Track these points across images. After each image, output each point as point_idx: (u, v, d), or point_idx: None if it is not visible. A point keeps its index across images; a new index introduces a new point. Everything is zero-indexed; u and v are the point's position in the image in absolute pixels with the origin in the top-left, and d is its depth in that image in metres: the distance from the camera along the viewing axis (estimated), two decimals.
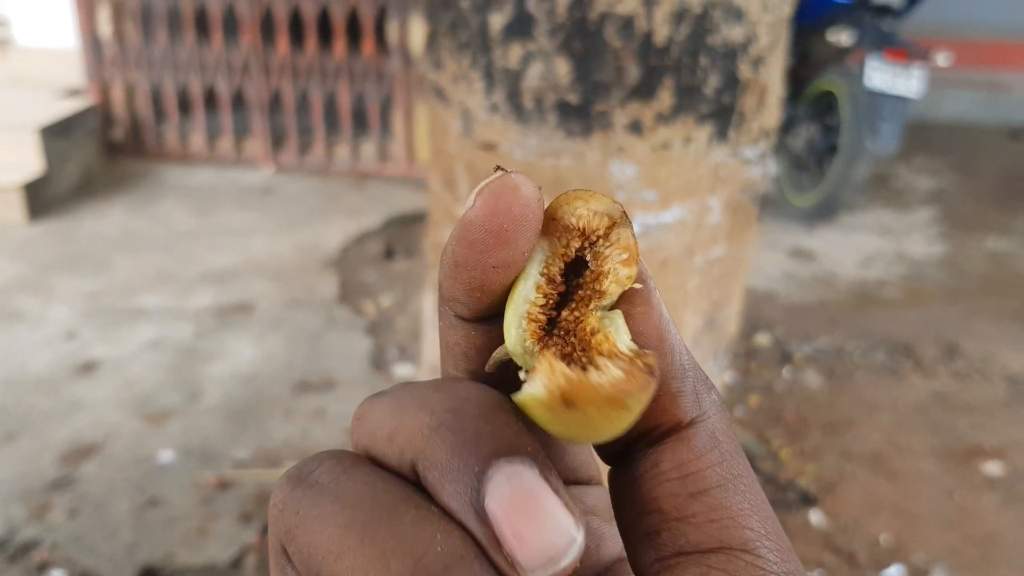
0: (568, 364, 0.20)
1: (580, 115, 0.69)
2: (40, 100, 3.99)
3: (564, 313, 0.22)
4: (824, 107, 3.57)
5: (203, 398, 2.30)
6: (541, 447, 0.20)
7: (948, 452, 2.21)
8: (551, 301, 0.22)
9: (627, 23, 0.65)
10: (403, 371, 2.48)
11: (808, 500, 2.00)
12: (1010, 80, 5.60)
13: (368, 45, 3.91)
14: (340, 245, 3.35)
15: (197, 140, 4.19)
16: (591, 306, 0.22)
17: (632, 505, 0.22)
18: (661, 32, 0.65)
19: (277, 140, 4.17)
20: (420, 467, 0.20)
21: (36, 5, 4.14)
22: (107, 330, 2.65)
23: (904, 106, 3.28)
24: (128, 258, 3.17)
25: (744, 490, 0.21)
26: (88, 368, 2.43)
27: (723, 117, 0.73)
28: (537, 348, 0.21)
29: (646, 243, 0.74)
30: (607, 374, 0.19)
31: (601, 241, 0.22)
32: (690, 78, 0.69)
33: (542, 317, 0.21)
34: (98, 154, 4.01)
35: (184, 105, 4.18)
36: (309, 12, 3.87)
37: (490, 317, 0.22)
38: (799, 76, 3.71)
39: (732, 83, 0.73)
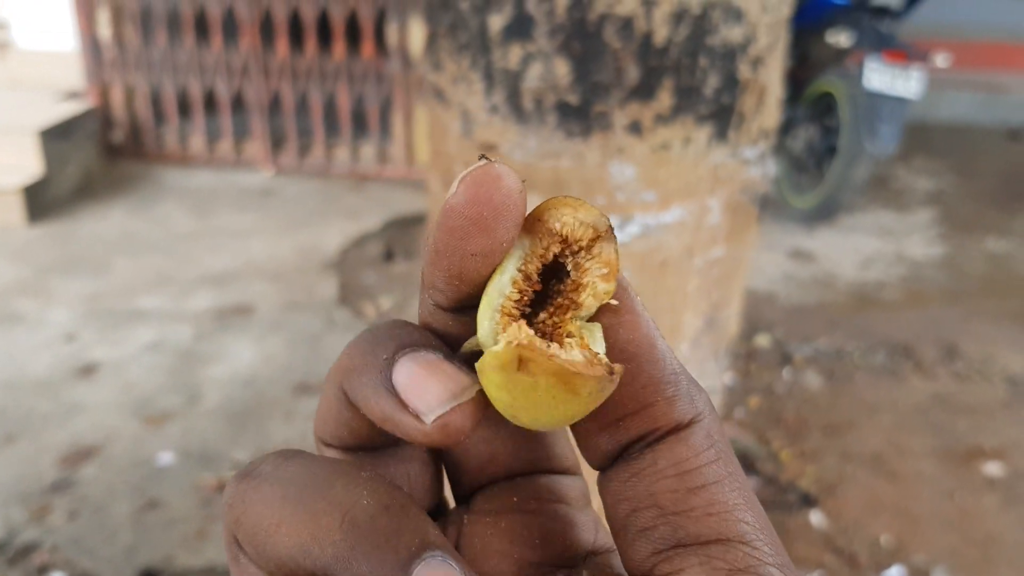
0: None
1: (580, 116, 0.70)
2: (40, 102, 3.99)
3: (543, 315, 0.22)
4: (823, 108, 3.57)
5: (203, 400, 2.30)
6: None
7: (948, 453, 2.21)
8: (525, 298, 0.22)
9: (626, 24, 0.65)
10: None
11: (809, 501, 2.00)
12: (1009, 81, 5.61)
13: (367, 47, 3.92)
14: (340, 247, 3.35)
15: (197, 142, 4.20)
16: (568, 315, 0.22)
17: (628, 503, 0.22)
18: (660, 33, 0.65)
19: (276, 142, 4.18)
20: (346, 386, 0.23)
21: (36, 8, 4.15)
22: (107, 332, 2.65)
23: (903, 107, 3.28)
24: (128, 260, 3.17)
25: (739, 487, 0.22)
26: (88, 370, 2.43)
27: (722, 118, 0.73)
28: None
29: (646, 244, 0.74)
30: (568, 354, 0.20)
31: (583, 252, 0.22)
32: (689, 79, 0.69)
33: (515, 312, 0.21)
34: (98, 156, 4.01)
35: (184, 107, 4.18)
36: (308, 14, 3.87)
37: (469, 307, 0.23)
38: (798, 77, 3.71)
39: (731, 84, 0.73)
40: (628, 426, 0.22)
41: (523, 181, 0.20)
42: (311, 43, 3.92)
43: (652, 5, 0.64)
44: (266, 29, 3.95)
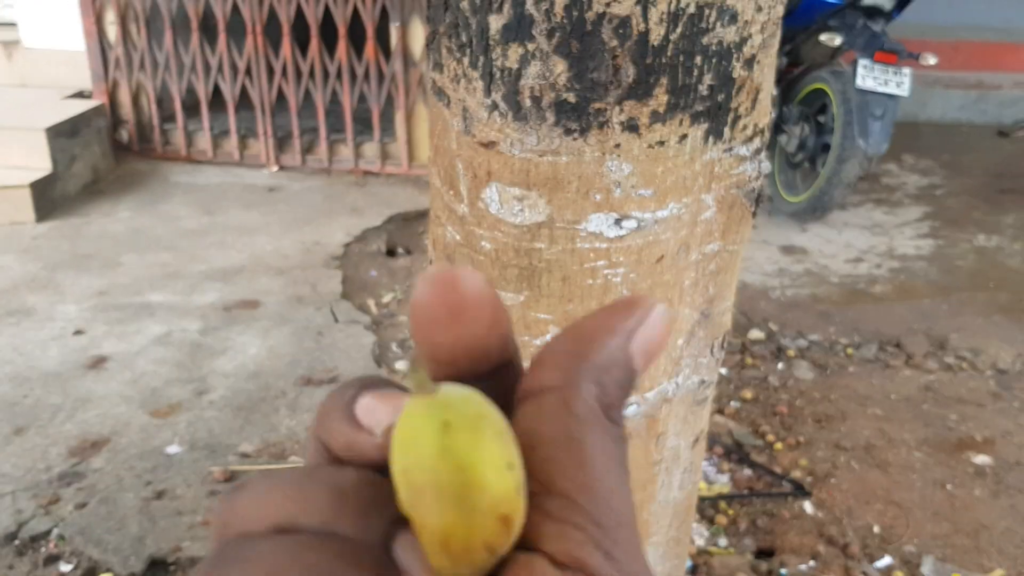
0: None
1: (577, 114, 0.72)
2: (48, 101, 4.03)
3: None
4: (816, 106, 3.61)
5: (210, 392, 2.33)
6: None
7: (939, 444, 2.24)
8: None
9: (623, 23, 0.68)
10: (405, 366, 2.52)
11: (801, 491, 2.03)
12: (998, 80, 5.64)
13: (370, 48, 3.96)
14: (343, 243, 3.39)
15: (202, 141, 4.23)
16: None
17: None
18: (657, 32, 0.68)
19: (281, 141, 4.21)
20: (318, 431, 0.24)
21: (44, 8, 4.18)
22: (115, 326, 2.68)
23: (894, 105, 3.31)
24: (136, 256, 3.21)
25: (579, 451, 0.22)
26: (96, 363, 2.46)
27: (717, 115, 0.76)
28: None
29: (643, 240, 0.77)
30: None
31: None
32: (685, 77, 0.71)
33: None
34: (105, 154, 4.04)
35: (190, 106, 4.22)
36: (312, 16, 3.92)
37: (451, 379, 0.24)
38: (791, 76, 3.74)
39: (726, 82, 0.75)
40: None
41: (487, 281, 0.22)
42: (314, 44, 3.96)
43: (648, 4, 0.68)
44: (270, 30, 3.99)
